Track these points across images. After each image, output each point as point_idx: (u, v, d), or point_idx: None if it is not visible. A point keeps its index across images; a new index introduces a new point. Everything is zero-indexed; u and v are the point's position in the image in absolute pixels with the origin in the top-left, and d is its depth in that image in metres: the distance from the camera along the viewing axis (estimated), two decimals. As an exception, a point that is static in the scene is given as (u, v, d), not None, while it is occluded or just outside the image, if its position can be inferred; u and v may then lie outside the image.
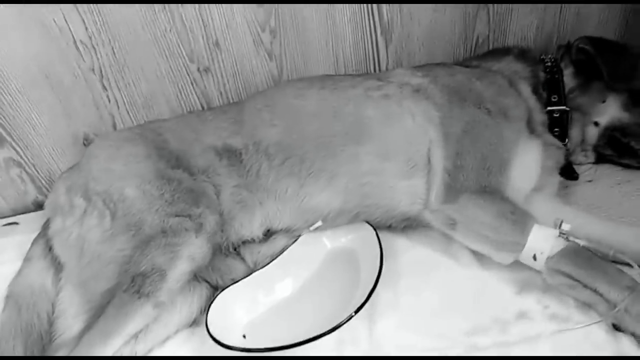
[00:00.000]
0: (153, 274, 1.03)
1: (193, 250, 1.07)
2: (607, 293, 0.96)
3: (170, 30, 1.36)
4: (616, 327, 0.97)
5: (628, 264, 0.99)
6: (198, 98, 1.49)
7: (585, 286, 0.99)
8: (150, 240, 1.06)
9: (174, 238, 1.06)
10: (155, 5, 1.32)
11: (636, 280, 0.95)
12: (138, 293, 1.01)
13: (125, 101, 1.45)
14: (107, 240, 1.09)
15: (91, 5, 1.28)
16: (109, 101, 1.44)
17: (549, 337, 0.98)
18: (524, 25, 1.55)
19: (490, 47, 1.56)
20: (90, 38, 1.32)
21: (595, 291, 0.98)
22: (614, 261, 1.03)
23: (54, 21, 1.28)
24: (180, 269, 1.05)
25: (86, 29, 1.30)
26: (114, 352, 1.00)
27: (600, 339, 0.96)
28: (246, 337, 1.11)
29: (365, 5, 1.44)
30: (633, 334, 0.95)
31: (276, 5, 1.38)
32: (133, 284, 1.02)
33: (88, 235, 1.11)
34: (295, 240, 1.24)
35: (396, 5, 1.45)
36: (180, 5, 1.33)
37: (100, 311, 1.02)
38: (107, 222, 1.11)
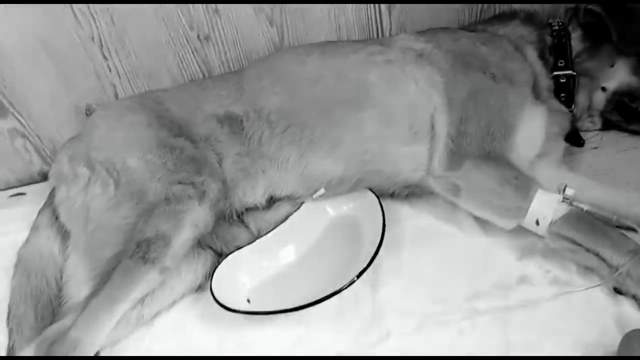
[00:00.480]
0: (158, 240, 1.04)
1: (196, 217, 1.08)
2: (609, 257, 0.96)
3: (169, -3, 1.34)
4: (617, 291, 0.98)
5: (631, 229, 0.99)
6: (199, 67, 1.48)
7: (587, 250, 1.00)
8: (154, 208, 1.08)
9: (177, 205, 1.07)
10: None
11: (638, 244, 0.95)
12: (143, 259, 1.03)
13: (127, 70, 1.44)
14: (111, 208, 1.11)
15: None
16: (110, 71, 1.43)
17: (549, 301, 0.99)
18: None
19: (497, 11, 1.51)
20: (88, 6, 1.30)
21: (597, 255, 0.98)
22: (617, 226, 1.02)
23: (51, -12, 1.27)
24: (184, 236, 1.07)
25: (84, -5, 1.29)
26: (121, 316, 1.02)
27: (600, 302, 0.97)
28: (250, 301, 1.13)
29: (367, -32, 1.40)
30: (634, 297, 0.95)
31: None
32: (138, 250, 1.03)
33: (92, 203, 1.12)
34: (299, 208, 1.25)
35: (399, -30, 1.42)
36: (179, -29, 1.31)
37: (107, 277, 1.04)
38: (111, 191, 1.12)
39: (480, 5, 1.52)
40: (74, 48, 1.36)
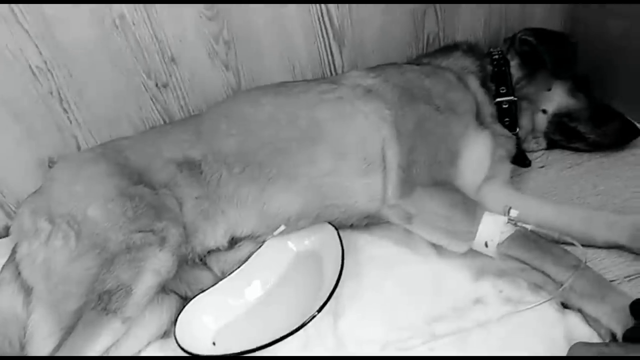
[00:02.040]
0: (119, 290, 1.05)
1: (158, 264, 1.10)
2: (554, 273, 1.01)
3: (125, 49, 1.38)
4: (564, 305, 1.02)
5: (572, 244, 1.04)
6: (159, 113, 1.51)
7: (534, 268, 1.04)
8: (115, 258, 1.09)
9: (138, 253, 1.09)
10: (108, 26, 1.34)
11: (580, 259, 1.00)
12: (105, 310, 1.03)
13: (87, 121, 1.46)
14: (73, 260, 1.11)
15: (44, 28, 1.29)
16: (71, 123, 1.45)
17: (503, 320, 1.03)
18: (471, 20, 1.60)
19: (441, 43, 1.60)
20: (45, 62, 1.33)
21: (543, 272, 1.03)
22: (560, 242, 1.08)
23: (7, 48, 1.29)
24: (146, 284, 1.07)
25: (40, 53, 1.32)
26: (85, 369, 1.02)
27: (550, 318, 1.01)
28: (216, 344, 1.14)
29: (315, 10, 1.47)
30: (580, 310, 1.00)
31: (226, 18, 1.41)
32: (100, 302, 1.04)
33: (54, 257, 1.13)
34: (261, 246, 1.27)
35: (346, 11, 1.49)
36: (132, 25, 1.35)
37: (71, 331, 1.04)
38: (72, 243, 1.13)
39: (426, 37, 1.61)
40: (33, 103, 1.38)
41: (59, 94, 1.40)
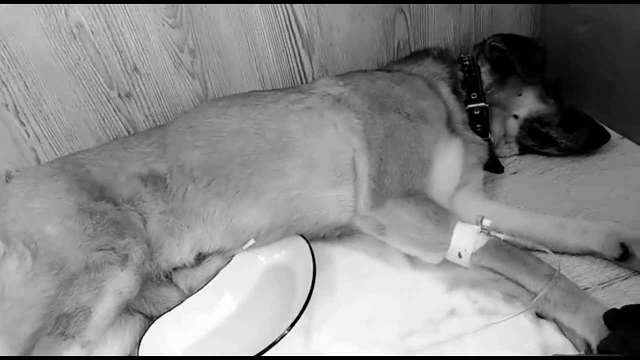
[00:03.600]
0: (77, 314, 0.99)
1: (119, 284, 1.05)
2: (527, 283, 1.00)
3: (84, 59, 1.33)
4: (539, 315, 1.01)
5: (544, 252, 1.03)
6: (123, 124, 1.46)
7: (508, 278, 1.03)
8: (73, 278, 1.03)
9: (97, 274, 1.03)
10: (65, 35, 1.28)
11: (553, 268, 0.99)
12: (63, 334, 0.98)
13: (46, 134, 1.40)
14: (29, 282, 1.06)
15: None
16: (29, 136, 1.39)
17: (477, 332, 1.01)
18: (441, 26, 1.59)
19: (412, 49, 1.59)
20: (-1, 74, 1.28)
21: (517, 282, 1.01)
22: (533, 250, 1.07)
23: (-42, 61, 1.24)
24: (107, 305, 1.02)
25: (-7, 65, 1.26)
26: (43, 398, 0.97)
27: (525, 328, 1.00)
28: (184, 364, 1.10)
29: (282, 18, 1.44)
30: (554, 320, 0.98)
31: (191, 25, 1.37)
32: (57, 326, 0.98)
33: (8, 278, 1.06)
34: (229, 261, 1.23)
35: (314, 17, 1.46)
36: (91, 34, 1.30)
37: (28, 356, 0.98)
38: (28, 264, 1.07)
39: (396, 44, 1.59)
40: (-13, 117, 1.33)
41: (15, 106, 1.34)
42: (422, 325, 1.05)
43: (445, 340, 1.01)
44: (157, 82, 1.43)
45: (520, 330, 0.99)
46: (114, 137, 1.47)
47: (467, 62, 1.41)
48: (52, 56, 1.30)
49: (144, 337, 1.09)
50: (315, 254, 1.16)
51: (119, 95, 1.42)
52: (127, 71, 1.38)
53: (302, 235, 1.23)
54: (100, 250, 1.07)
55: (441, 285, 1.13)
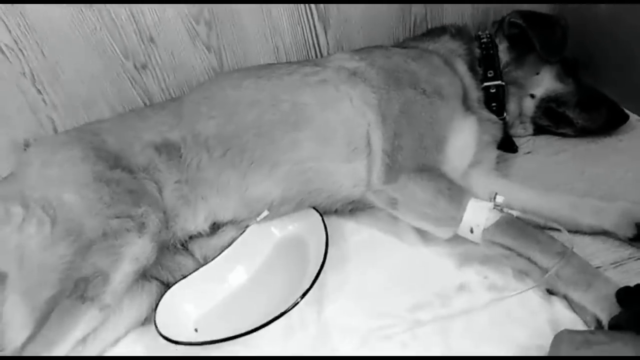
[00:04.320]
0: (95, 278, 1.02)
1: (136, 250, 1.07)
2: (539, 260, 1.00)
3: (100, 29, 1.33)
4: (550, 292, 1.01)
5: (558, 230, 1.03)
6: (139, 96, 1.47)
7: (519, 255, 1.03)
8: (91, 244, 1.05)
9: (115, 240, 1.06)
10: (81, 4, 1.28)
11: (566, 245, 0.99)
12: (82, 298, 1.00)
13: (63, 103, 1.41)
14: (47, 247, 1.08)
15: (11, 6, 1.24)
16: (46, 104, 1.40)
17: (487, 306, 1.01)
18: (459, 2, 1.57)
19: (429, 26, 1.57)
20: (15, 42, 1.28)
21: (529, 259, 1.02)
22: (546, 228, 1.07)
23: (-26, 26, 1.24)
24: (124, 271, 1.05)
25: (9, 32, 1.26)
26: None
27: (535, 305, 1.00)
28: (198, 330, 1.12)
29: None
30: (565, 297, 0.99)
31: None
32: (76, 289, 1.01)
33: (28, 243, 1.09)
34: (244, 232, 1.25)
35: (331, -10, 1.45)
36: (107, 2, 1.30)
37: (46, 319, 1.01)
38: (47, 229, 1.09)
39: (413, 20, 1.57)
40: (4, 84, 1.33)
41: (32, 74, 1.34)
42: (432, 298, 1.06)
43: (454, 313, 1.02)
44: (172, 54, 1.43)
45: (530, 306, 1.00)
46: (130, 108, 1.47)
47: (484, 40, 1.39)
48: (69, 25, 1.30)
49: (159, 304, 1.11)
50: (327, 227, 1.17)
51: (135, 66, 1.42)
52: (143, 42, 1.38)
53: (315, 209, 1.24)
54: (117, 217, 1.09)
55: (451, 261, 1.13)
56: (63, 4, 1.27)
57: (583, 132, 1.39)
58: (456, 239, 1.12)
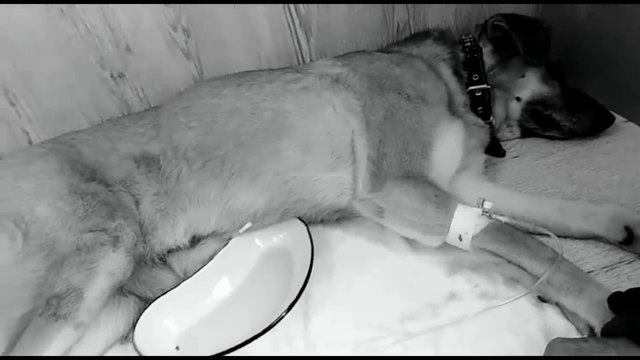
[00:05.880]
0: (69, 294, 0.97)
1: (111, 265, 1.02)
2: (529, 267, 0.97)
3: (74, 38, 1.29)
4: (541, 299, 0.99)
5: (547, 235, 1.01)
6: (117, 106, 1.42)
7: (509, 262, 1.00)
8: (64, 259, 1.01)
9: (89, 255, 1.01)
10: (53, 13, 1.24)
11: (556, 251, 0.96)
12: (55, 315, 0.96)
13: (38, 115, 1.37)
14: (19, 262, 1.03)
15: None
16: (19, 116, 1.35)
17: (478, 315, 0.98)
18: (442, 7, 1.55)
19: (412, 31, 1.55)
20: (-16, 52, 1.24)
21: (519, 266, 0.99)
22: (535, 234, 1.04)
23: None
24: (99, 286, 1.00)
25: (-21, 43, 1.22)
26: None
27: (527, 312, 0.98)
28: (179, 348, 1.07)
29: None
30: (557, 304, 0.96)
31: (184, 4, 1.33)
32: (49, 307, 0.96)
33: (-2, 258, 1.05)
34: (226, 244, 1.21)
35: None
36: (81, 10, 1.26)
37: (19, 337, 0.96)
38: (19, 244, 1.04)
39: (396, 25, 1.55)
40: (-25, 96, 1.29)
41: (4, 85, 1.30)
42: (422, 309, 1.03)
43: (445, 323, 0.99)
44: (150, 63, 1.39)
45: (522, 314, 0.97)
46: (107, 119, 1.43)
47: (468, 43, 1.38)
48: (41, 35, 1.26)
49: (139, 320, 1.07)
50: (313, 237, 1.14)
51: (112, 75, 1.38)
52: (119, 50, 1.34)
53: (300, 219, 1.20)
54: (91, 231, 1.04)
55: (441, 269, 1.11)
56: (34, 9, 1.23)
57: (570, 135, 1.38)
58: (445, 246, 1.09)
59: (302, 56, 1.52)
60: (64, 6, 1.25)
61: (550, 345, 0.83)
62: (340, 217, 1.27)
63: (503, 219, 1.02)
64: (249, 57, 1.46)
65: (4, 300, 1.02)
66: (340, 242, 1.23)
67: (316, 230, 1.20)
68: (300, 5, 1.43)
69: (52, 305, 0.97)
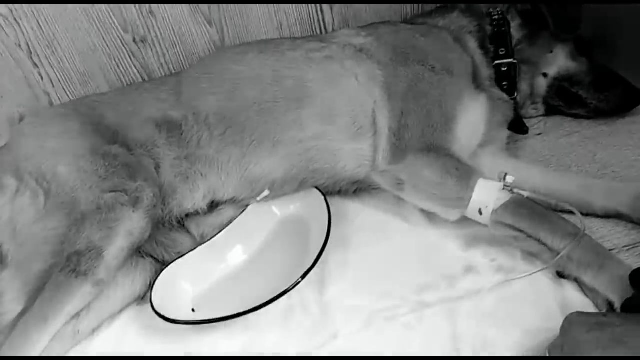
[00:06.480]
0: (89, 252, 0.99)
1: (130, 225, 1.04)
2: (550, 242, 0.96)
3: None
4: (560, 274, 0.98)
5: (571, 212, 0.99)
6: (138, 71, 1.43)
7: (529, 236, 0.99)
8: (85, 218, 1.03)
9: (109, 214, 1.03)
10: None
11: (578, 227, 0.95)
12: (75, 272, 0.98)
13: (60, 78, 1.38)
14: (41, 219, 1.05)
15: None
16: (42, 79, 1.36)
17: (495, 289, 0.98)
18: (470, -22, 1.51)
19: (438, 3, 1.51)
20: (10, 10, 1.24)
21: (539, 241, 0.98)
22: (557, 210, 1.03)
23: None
24: (118, 245, 1.02)
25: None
26: (54, 333, 0.97)
27: (544, 287, 0.97)
28: (195, 310, 1.09)
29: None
30: (576, 280, 0.95)
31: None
32: (69, 263, 0.99)
33: (21, 215, 1.06)
34: (244, 210, 1.21)
35: (337, -36, 1.40)
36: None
37: (39, 293, 0.98)
38: (41, 201, 1.07)
39: (421, -2, 1.52)
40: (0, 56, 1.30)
41: (28, 46, 1.31)
42: (438, 280, 1.03)
43: (461, 295, 0.99)
44: (172, 28, 1.39)
45: (540, 289, 0.96)
46: (128, 83, 1.44)
47: (496, 16, 1.34)
48: (65, -7, 1.26)
49: (156, 282, 1.08)
50: (330, 207, 1.14)
51: (134, 39, 1.38)
52: (142, 14, 1.34)
53: (317, 188, 1.20)
54: (112, 191, 1.06)
55: (458, 243, 1.10)
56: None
57: (596, 113, 1.34)
58: (462, 221, 1.08)
59: (325, 26, 1.50)
60: (89, -35, 1.25)
61: (568, 319, 0.82)
62: (358, 189, 1.27)
63: (525, 193, 1.00)
64: (271, 24, 1.45)
65: (26, 254, 1.04)
66: (358, 214, 1.23)
67: (334, 202, 1.19)
68: (326, -28, 1.41)
69: (72, 262, 0.99)
